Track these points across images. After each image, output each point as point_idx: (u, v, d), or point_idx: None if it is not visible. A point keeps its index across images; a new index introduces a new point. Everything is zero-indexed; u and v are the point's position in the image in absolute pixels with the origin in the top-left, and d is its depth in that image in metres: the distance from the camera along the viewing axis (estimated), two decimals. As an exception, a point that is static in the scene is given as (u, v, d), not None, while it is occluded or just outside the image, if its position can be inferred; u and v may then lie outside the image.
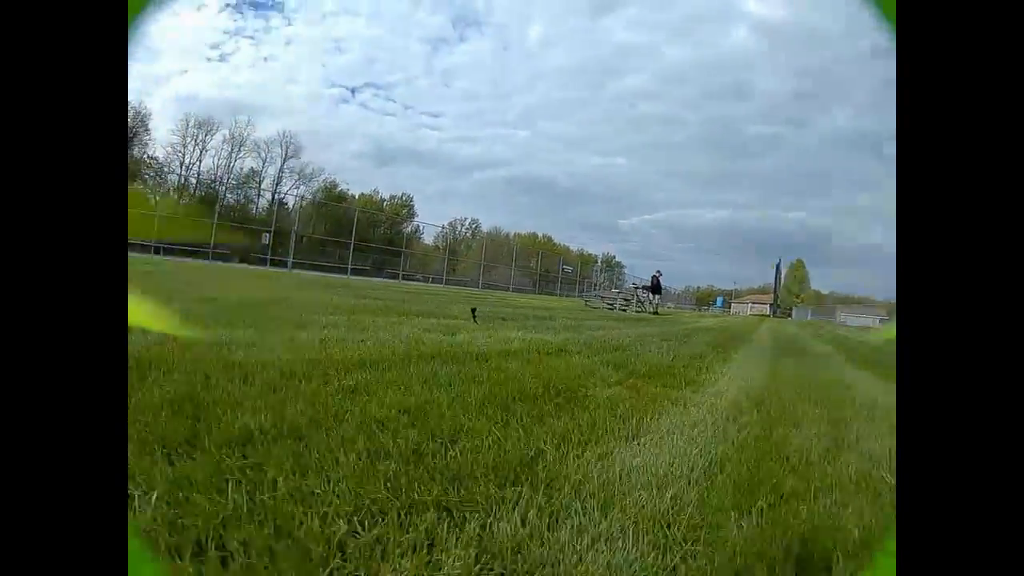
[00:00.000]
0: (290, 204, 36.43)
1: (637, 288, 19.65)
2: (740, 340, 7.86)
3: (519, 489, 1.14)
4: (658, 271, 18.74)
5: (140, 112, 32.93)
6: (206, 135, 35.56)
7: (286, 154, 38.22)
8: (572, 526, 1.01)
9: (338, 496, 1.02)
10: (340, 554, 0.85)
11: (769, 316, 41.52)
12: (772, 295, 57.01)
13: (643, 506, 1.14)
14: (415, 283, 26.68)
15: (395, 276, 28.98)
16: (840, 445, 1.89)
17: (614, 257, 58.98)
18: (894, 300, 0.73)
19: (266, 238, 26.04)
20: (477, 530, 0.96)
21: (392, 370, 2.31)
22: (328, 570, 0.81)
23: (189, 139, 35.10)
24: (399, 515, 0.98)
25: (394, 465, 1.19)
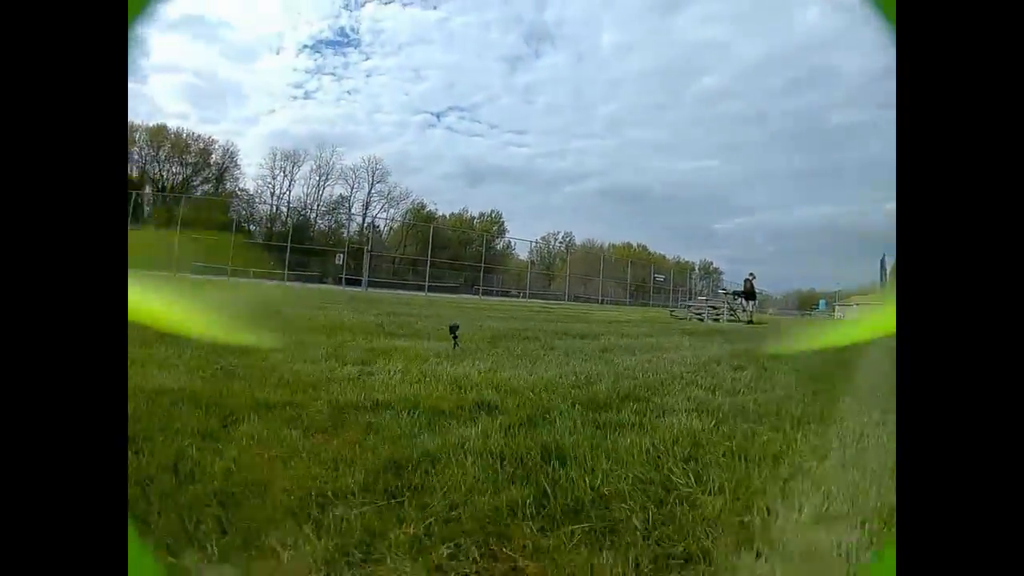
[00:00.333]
0: (380, 226, 38.72)
1: (727, 294, 17.56)
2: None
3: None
4: (751, 274, 16.62)
5: (228, 149, 36.08)
6: (292, 167, 37.96)
7: (372, 179, 40.57)
8: None
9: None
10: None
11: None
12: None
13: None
14: (494, 298, 26.66)
15: (487, 292, 29.42)
16: None
17: (711, 264, 57.09)
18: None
19: (339, 258, 27.22)
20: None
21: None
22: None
23: (277, 171, 37.53)
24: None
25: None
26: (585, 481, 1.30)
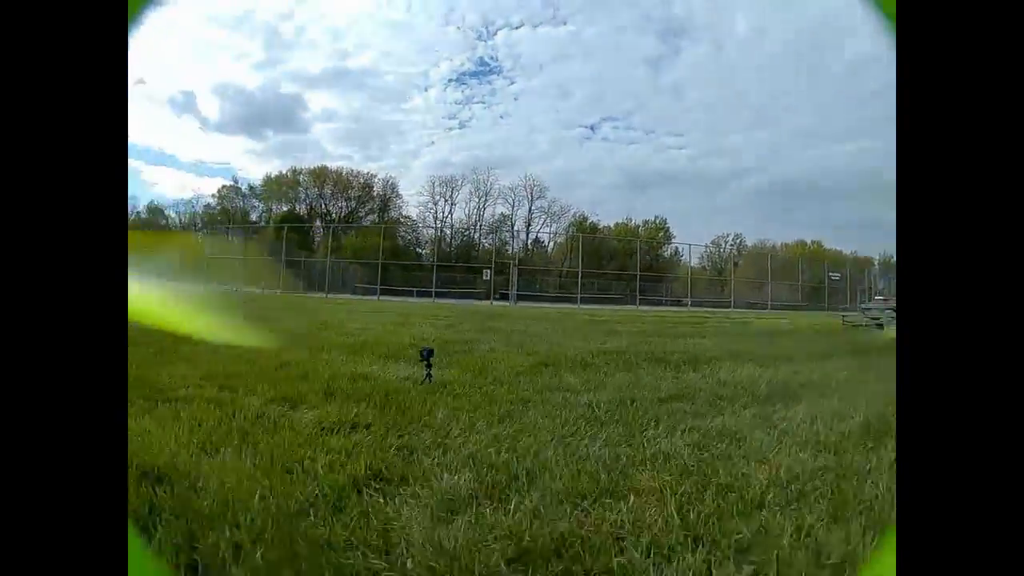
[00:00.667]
0: (545, 240, 40.75)
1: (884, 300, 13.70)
2: None
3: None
4: None
5: (389, 181, 41.19)
6: (452, 191, 41.75)
7: (532, 196, 42.79)
8: None
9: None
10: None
11: None
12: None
13: None
14: (651, 308, 24.94)
15: (654, 302, 29.09)
16: None
17: (891, 257, 55.15)
18: None
19: (487, 274, 28.33)
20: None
21: None
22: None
23: (437, 196, 41.40)
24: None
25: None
26: None
